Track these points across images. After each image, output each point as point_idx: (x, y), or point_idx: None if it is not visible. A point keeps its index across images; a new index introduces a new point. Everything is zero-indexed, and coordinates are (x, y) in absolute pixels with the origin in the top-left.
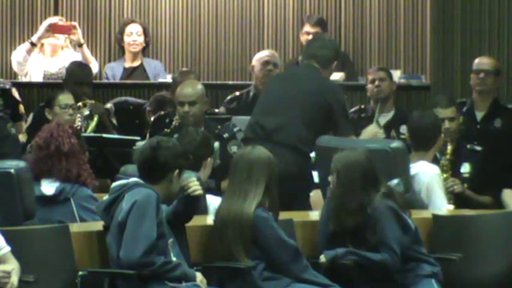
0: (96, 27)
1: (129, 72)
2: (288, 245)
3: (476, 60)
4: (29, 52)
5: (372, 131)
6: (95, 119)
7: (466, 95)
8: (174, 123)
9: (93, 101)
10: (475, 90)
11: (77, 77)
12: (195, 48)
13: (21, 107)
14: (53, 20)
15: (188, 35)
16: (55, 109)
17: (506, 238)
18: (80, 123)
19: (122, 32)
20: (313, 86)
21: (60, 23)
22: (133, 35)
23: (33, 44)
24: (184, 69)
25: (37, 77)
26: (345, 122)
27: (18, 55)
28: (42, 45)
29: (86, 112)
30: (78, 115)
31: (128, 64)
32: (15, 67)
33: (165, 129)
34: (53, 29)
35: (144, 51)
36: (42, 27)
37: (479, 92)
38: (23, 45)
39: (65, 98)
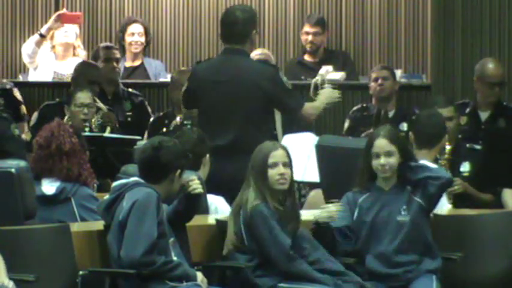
0: (97, 26)
1: (129, 72)
2: (281, 245)
3: (489, 71)
4: (38, 44)
5: (327, 94)
6: (107, 130)
7: (467, 95)
8: (174, 122)
9: (105, 108)
10: (483, 97)
11: (90, 76)
12: (196, 47)
13: (23, 108)
14: (60, 11)
15: (189, 34)
16: (71, 107)
17: (506, 238)
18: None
19: (123, 31)
20: (245, 84)
21: (68, 13)
22: (135, 36)
23: (42, 36)
24: (183, 68)
25: (46, 76)
26: (289, 98)
27: (27, 47)
28: (54, 47)
29: (98, 121)
30: (93, 119)
31: (128, 63)
32: (24, 59)
33: (163, 129)
34: (62, 19)
35: (145, 50)
36: (51, 19)
37: (489, 101)
38: (32, 37)
39: (82, 97)
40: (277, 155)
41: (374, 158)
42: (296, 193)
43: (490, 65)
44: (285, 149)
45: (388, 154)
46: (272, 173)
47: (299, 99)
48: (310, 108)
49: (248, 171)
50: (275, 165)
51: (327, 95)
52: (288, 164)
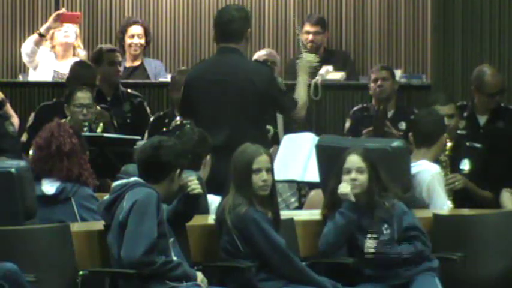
0: (97, 26)
1: (129, 72)
2: (278, 247)
3: (487, 82)
4: (37, 44)
5: (304, 64)
6: (100, 126)
7: (467, 95)
8: (175, 122)
9: (98, 108)
10: (482, 105)
11: (81, 78)
12: (196, 47)
13: None
14: (60, 11)
15: (189, 34)
16: (70, 107)
17: (506, 238)
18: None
19: (123, 32)
20: (241, 83)
21: (67, 12)
22: (135, 38)
23: (41, 35)
24: (183, 68)
25: (46, 75)
26: (285, 99)
27: (26, 47)
28: (53, 47)
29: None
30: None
31: (128, 63)
32: (24, 59)
33: (163, 129)
34: (61, 19)
35: (145, 50)
36: (50, 19)
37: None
38: (31, 37)
39: (81, 97)
40: (261, 161)
41: (345, 174)
42: (277, 197)
43: (488, 75)
44: (268, 153)
45: (359, 170)
46: (256, 178)
47: (293, 99)
48: (301, 106)
49: (230, 176)
50: (259, 170)
51: (305, 65)
52: (271, 170)
